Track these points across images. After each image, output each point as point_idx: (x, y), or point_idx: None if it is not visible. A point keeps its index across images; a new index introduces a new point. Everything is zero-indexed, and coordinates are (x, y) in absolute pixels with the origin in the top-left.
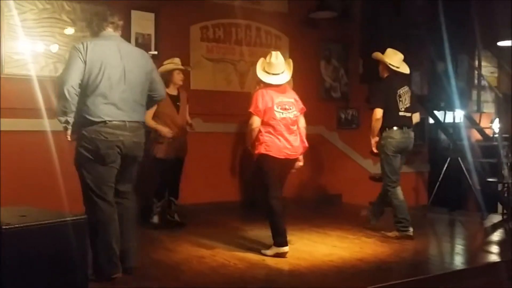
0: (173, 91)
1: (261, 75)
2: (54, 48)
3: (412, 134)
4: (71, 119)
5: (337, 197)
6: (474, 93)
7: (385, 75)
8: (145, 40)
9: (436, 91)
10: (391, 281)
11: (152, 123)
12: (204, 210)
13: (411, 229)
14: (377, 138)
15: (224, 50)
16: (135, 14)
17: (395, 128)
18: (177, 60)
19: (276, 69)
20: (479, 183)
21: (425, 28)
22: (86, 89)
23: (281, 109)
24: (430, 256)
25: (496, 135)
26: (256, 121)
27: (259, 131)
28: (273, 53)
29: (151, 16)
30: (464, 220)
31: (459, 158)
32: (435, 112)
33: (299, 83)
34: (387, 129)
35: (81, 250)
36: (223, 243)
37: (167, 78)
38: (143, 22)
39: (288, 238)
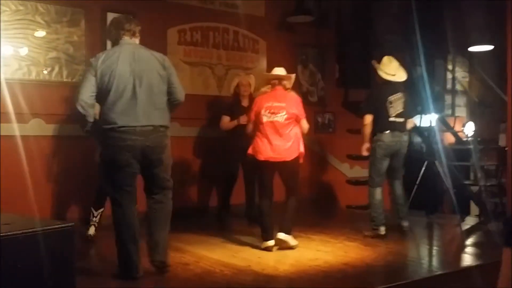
0: None
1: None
2: (27, 50)
3: (405, 138)
4: (90, 127)
5: (315, 201)
6: (448, 97)
7: (379, 82)
8: None
9: (412, 95)
10: (380, 286)
11: None
12: (181, 215)
13: (382, 228)
14: (367, 144)
15: (201, 54)
16: (111, 17)
17: (386, 132)
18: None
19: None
20: (455, 186)
21: (400, 33)
22: (100, 99)
23: (269, 112)
24: (415, 260)
25: (469, 139)
26: (249, 126)
27: (253, 134)
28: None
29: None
30: (442, 223)
31: (435, 162)
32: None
33: None
34: (377, 133)
35: (68, 258)
36: (206, 249)
37: None
38: None
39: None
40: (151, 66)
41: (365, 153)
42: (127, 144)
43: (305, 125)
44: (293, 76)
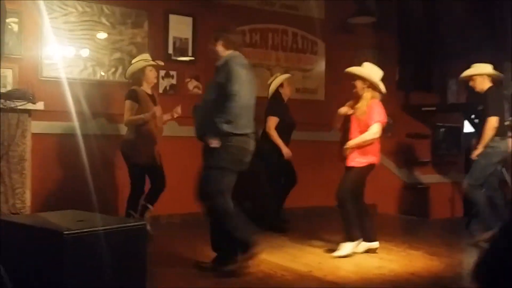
0: (148, 90)
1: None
2: (93, 51)
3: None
4: None
5: (371, 207)
6: None
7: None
8: (182, 44)
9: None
10: None
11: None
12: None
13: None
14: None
15: (260, 55)
16: (173, 18)
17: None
18: (146, 55)
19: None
20: None
21: (464, 36)
22: None
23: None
24: None
25: None
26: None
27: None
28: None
29: (188, 20)
30: None
31: (503, 169)
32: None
33: (334, 89)
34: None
35: (141, 256)
36: (267, 252)
37: (139, 76)
38: (181, 26)
39: (332, 248)
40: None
41: (476, 157)
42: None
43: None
44: None
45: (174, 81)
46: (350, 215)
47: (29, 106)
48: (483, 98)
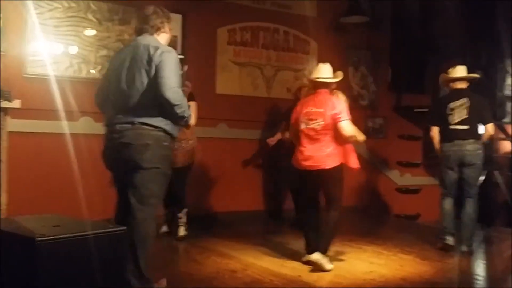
0: None
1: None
2: (79, 48)
3: (469, 146)
4: None
5: (363, 209)
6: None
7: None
8: (172, 42)
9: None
10: None
11: None
12: (228, 219)
13: (450, 239)
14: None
15: (251, 54)
16: None
17: (446, 141)
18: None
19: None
20: None
21: (457, 37)
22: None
23: (306, 119)
24: (477, 278)
25: None
26: (290, 131)
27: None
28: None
29: (178, 17)
30: (502, 237)
31: (496, 172)
32: None
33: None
34: (442, 143)
35: (119, 263)
36: (254, 256)
37: None
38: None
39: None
40: (141, 60)
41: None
42: (109, 144)
43: (344, 128)
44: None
45: None
46: None
47: (5, 104)
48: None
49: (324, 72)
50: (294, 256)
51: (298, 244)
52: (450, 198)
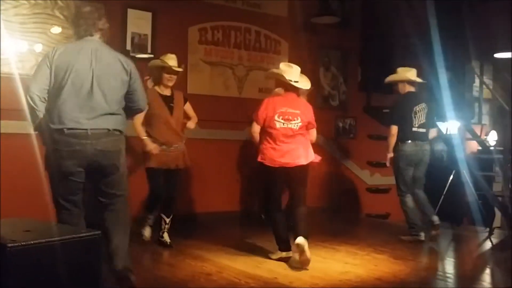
0: (164, 91)
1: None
2: (45, 46)
3: (427, 147)
4: (40, 125)
5: (335, 209)
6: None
7: (402, 92)
8: (141, 40)
9: (439, 102)
10: None
11: (141, 133)
12: (202, 220)
13: (422, 234)
14: (391, 154)
15: (222, 54)
16: (131, 13)
17: (408, 142)
18: (170, 56)
19: (293, 76)
20: (480, 197)
21: (424, 37)
22: (51, 95)
23: (282, 119)
24: (449, 277)
25: (492, 148)
26: (254, 127)
27: (260, 139)
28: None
29: (148, 15)
30: (470, 235)
31: (464, 171)
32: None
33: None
34: (400, 143)
35: (95, 269)
36: (229, 258)
37: (155, 75)
38: (140, 21)
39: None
40: (114, 69)
41: (388, 163)
42: (76, 149)
43: (314, 134)
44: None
45: None
46: None
47: None
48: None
49: (297, 76)
50: (268, 257)
51: (272, 245)
52: (410, 195)
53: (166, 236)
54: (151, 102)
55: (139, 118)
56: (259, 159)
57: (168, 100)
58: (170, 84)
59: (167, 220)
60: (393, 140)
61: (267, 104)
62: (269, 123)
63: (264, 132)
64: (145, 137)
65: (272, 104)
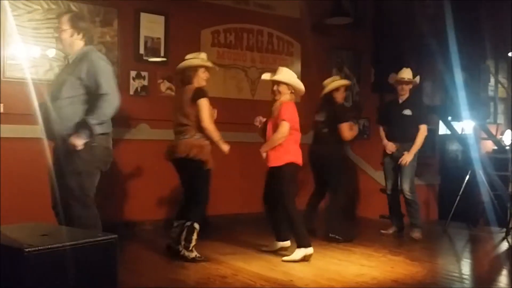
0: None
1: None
2: (59, 50)
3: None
4: None
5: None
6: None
7: None
8: (154, 44)
9: (454, 101)
10: None
11: (215, 135)
12: (217, 223)
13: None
14: None
15: (235, 56)
16: (144, 17)
17: None
18: (203, 55)
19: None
20: (497, 197)
21: (438, 37)
22: None
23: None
24: (466, 277)
25: (508, 147)
26: (288, 129)
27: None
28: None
29: (161, 19)
30: (487, 236)
31: (480, 171)
32: (452, 123)
33: (309, 91)
34: None
35: (111, 273)
36: (244, 261)
37: (190, 74)
38: (153, 25)
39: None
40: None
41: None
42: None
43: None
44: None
45: (145, 82)
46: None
47: None
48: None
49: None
50: (281, 260)
51: (288, 247)
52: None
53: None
54: None
55: (207, 113)
56: (291, 159)
57: None
58: (205, 83)
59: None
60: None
61: (295, 107)
62: (296, 125)
63: (292, 134)
64: (220, 139)
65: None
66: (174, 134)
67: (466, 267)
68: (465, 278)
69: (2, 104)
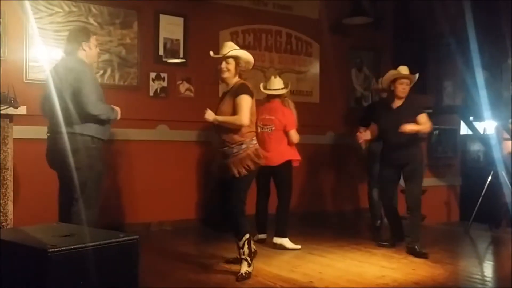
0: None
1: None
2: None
3: None
4: None
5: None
6: None
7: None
8: (174, 45)
9: (475, 101)
10: None
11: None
12: None
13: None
14: None
15: (253, 57)
16: (163, 19)
17: None
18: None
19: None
20: None
21: (458, 36)
22: None
23: (262, 124)
24: (488, 280)
25: None
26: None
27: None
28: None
29: (180, 20)
30: (510, 238)
31: (502, 172)
32: (474, 123)
33: (329, 91)
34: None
35: (133, 273)
36: (263, 262)
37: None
38: (172, 27)
39: (331, 256)
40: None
41: None
42: (46, 149)
43: (293, 136)
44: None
45: (165, 84)
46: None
47: (10, 110)
48: None
49: (275, 84)
50: (303, 260)
51: (306, 248)
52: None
53: (243, 266)
54: None
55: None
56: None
57: None
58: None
59: (240, 243)
60: None
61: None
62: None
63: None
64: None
65: (260, 111)
66: None
67: (488, 269)
68: (487, 281)
69: (25, 106)
